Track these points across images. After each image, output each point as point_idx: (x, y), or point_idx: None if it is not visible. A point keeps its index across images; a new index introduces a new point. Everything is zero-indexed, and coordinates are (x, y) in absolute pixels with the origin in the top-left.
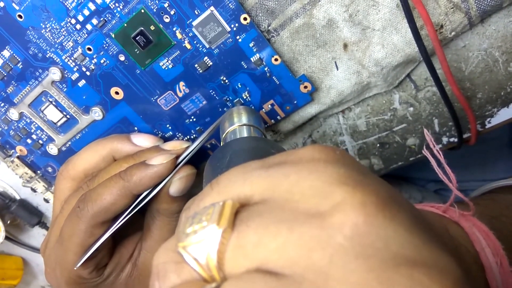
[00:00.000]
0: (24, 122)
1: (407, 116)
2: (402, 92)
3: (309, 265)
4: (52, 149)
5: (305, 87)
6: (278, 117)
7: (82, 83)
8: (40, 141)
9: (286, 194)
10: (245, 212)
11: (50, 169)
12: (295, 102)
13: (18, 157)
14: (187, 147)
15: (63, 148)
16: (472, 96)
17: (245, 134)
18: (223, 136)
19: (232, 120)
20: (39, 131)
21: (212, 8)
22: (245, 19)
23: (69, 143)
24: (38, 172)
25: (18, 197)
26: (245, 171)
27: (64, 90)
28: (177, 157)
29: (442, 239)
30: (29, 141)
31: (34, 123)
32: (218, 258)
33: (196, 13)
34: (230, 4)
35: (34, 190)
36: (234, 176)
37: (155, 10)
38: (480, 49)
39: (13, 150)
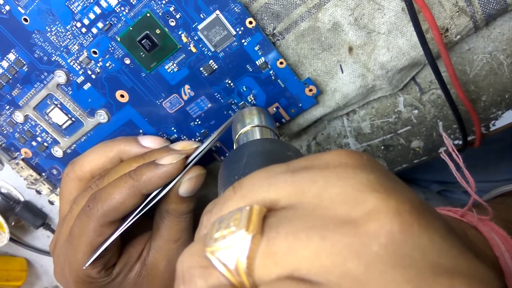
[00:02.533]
0: (29, 125)
1: (411, 118)
2: (406, 95)
3: (344, 273)
4: (57, 152)
5: (310, 90)
6: (283, 120)
7: (87, 86)
8: (45, 144)
9: (315, 200)
10: (273, 217)
11: (55, 171)
12: (300, 105)
13: (23, 159)
14: (197, 148)
15: (68, 151)
16: (476, 99)
17: (258, 136)
18: (236, 137)
19: (244, 121)
20: (44, 133)
21: (217, 12)
22: (250, 22)
23: (74, 145)
24: (43, 174)
25: (22, 199)
26: (270, 175)
27: (70, 93)
28: (187, 157)
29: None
30: (34, 143)
31: (39, 125)
32: (247, 264)
33: (202, 16)
34: (235, 8)
35: (39, 192)
36: (258, 180)
37: (160, 14)
38: (485, 52)
39: (18, 153)
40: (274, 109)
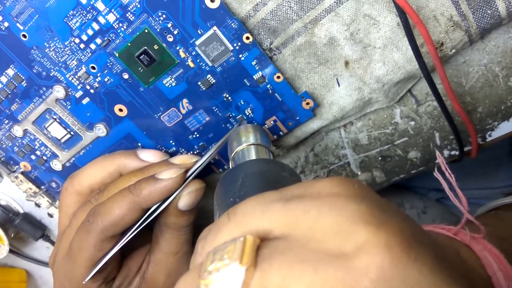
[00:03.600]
0: (28, 139)
1: (408, 130)
2: (403, 107)
3: None
4: (56, 165)
5: (307, 103)
6: (281, 133)
7: (86, 100)
8: (44, 157)
9: (307, 231)
10: (266, 248)
11: (54, 185)
12: (298, 118)
13: (22, 173)
14: (196, 162)
15: (67, 164)
16: (472, 110)
17: (253, 155)
18: (232, 155)
19: (240, 139)
20: (43, 147)
21: (215, 27)
22: (247, 38)
23: (73, 159)
24: (42, 187)
25: (22, 211)
26: (263, 202)
27: (68, 107)
28: (186, 171)
29: (456, 266)
30: (33, 157)
31: (38, 139)
32: None
33: (199, 32)
34: (232, 24)
35: (38, 205)
36: (252, 207)
37: (158, 30)
38: (480, 64)
39: (17, 166)
40: (272, 122)
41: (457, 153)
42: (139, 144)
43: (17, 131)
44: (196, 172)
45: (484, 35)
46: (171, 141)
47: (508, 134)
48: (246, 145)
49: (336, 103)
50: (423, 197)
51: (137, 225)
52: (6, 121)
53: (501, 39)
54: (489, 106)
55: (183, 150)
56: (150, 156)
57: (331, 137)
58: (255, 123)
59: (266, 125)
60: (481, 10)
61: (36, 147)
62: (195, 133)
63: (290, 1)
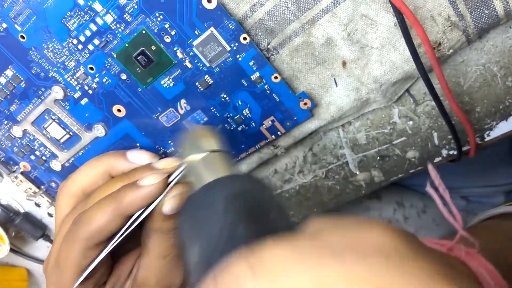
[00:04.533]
0: (28, 139)
1: (406, 129)
2: (401, 107)
3: None
4: (56, 165)
5: (305, 103)
6: (279, 133)
7: (84, 101)
8: (44, 157)
9: None
10: None
11: (53, 184)
12: (295, 118)
13: (22, 173)
14: (180, 165)
15: (67, 164)
16: (471, 110)
17: (220, 165)
18: (192, 168)
19: (199, 146)
20: (42, 147)
21: (212, 28)
22: (244, 38)
23: (72, 159)
24: (42, 187)
25: (22, 210)
26: (298, 253)
27: (67, 108)
28: (169, 175)
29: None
30: (32, 157)
31: (37, 140)
32: None
33: (197, 33)
34: (229, 25)
35: (38, 205)
36: (283, 259)
37: (156, 31)
38: (478, 64)
39: (17, 166)
40: (270, 122)
41: (455, 152)
42: (138, 144)
43: (17, 131)
44: (178, 176)
45: (482, 35)
46: (169, 141)
47: (507, 134)
48: (208, 153)
49: (334, 103)
50: (423, 196)
51: (121, 231)
52: (6, 122)
53: (499, 39)
54: (487, 106)
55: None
56: (138, 157)
57: (330, 137)
58: (252, 123)
59: (264, 125)
60: (478, 10)
61: (36, 147)
62: None
63: (287, 1)
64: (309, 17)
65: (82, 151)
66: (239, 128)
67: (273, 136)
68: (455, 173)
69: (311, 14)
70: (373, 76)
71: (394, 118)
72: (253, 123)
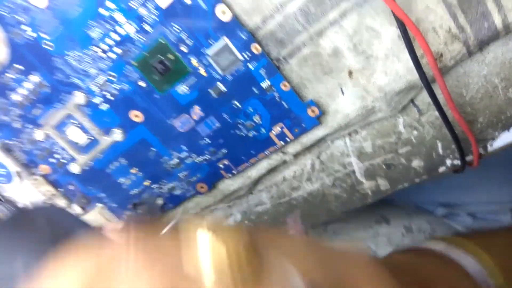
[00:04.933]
0: (49, 143)
1: (411, 139)
2: (406, 116)
3: None
4: (75, 168)
5: (313, 111)
6: (287, 139)
7: (104, 106)
8: (63, 160)
9: None
10: None
11: (71, 187)
12: (303, 125)
13: (41, 175)
14: None
15: (85, 167)
16: (473, 120)
17: None
18: None
19: None
20: (62, 151)
21: (225, 38)
22: (256, 48)
23: (92, 162)
24: (60, 189)
25: None
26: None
27: (88, 113)
28: None
29: None
30: (52, 160)
31: (58, 143)
32: None
33: (211, 43)
34: (242, 35)
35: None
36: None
37: (173, 41)
38: (479, 75)
39: (36, 169)
40: (279, 128)
41: (459, 162)
42: (153, 149)
43: (39, 135)
44: None
45: (483, 47)
46: (183, 146)
47: (510, 144)
48: None
49: (340, 111)
50: (430, 218)
51: None
52: (29, 125)
53: (499, 51)
54: (489, 117)
55: (194, 155)
56: None
57: (337, 145)
58: (262, 129)
59: (273, 131)
60: (478, 23)
61: (56, 150)
62: (206, 138)
63: (296, 14)
64: (317, 28)
65: (100, 155)
66: (250, 134)
67: (282, 142)
68: (459, 187)
69: (319, 26)
70: (378, 85)
71: (399, 128)
72: (263, 129)
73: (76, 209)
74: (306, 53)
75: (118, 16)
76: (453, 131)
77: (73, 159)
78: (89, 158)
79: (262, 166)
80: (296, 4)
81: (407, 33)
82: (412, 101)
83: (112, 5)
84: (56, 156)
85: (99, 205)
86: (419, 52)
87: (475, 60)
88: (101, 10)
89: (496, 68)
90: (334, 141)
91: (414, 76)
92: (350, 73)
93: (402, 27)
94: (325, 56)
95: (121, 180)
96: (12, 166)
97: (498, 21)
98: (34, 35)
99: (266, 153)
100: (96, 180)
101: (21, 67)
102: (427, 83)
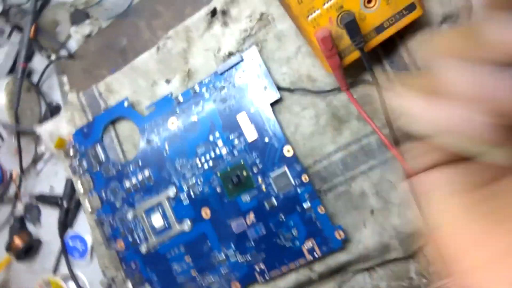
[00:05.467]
0: (134, 223)
1: (421, 286)
2: (417, 264)
3: None
4: (143, 249)
5: (340, 235)
6: (315, 254)
7: (186, 201)
8: (138, 240)
9: None
10: None
11: (133, 265)
12: (330, 245)
13: (116, 250)
14: None
15: (151, 250)
16: None
17: None
18: None
19: None
20: (141, 232)
21: (285, 167)
22: (305, 178)
23: (158, 246)
24: (124, 266)
25: None
26: None
27: (172, 204)
28: None
29: None
30: (130, 238)
31: (141, 224)
32: None
33: (275, 169)
34: (297, 167)
35: (113, 281)
36: None
37: (249, 163)
38: None
39: (115, 243)
40: (310, 243)
41: None
42: (209, 243)
43: (130, 215)
44: None
45: None
46: (232, 245)
47: None
48: None
49: (362, 242)
50: None
51: None
52: (126, 206)
53: None
54: None
55: (238, 254)
56: None
57: (357, 279)
58: (297, 241)
59: (305, 246)
60: None
61: (136, 230)
62: (252, 242)
63: (338, 162)
64: (351, 175)
65: (167, 241)
66: (286, 244)
67: (310, 257)
68: None
69: (353, 173)
70: (392, 224)
71: (411, 273)
72: (297, 242)
73: (129, 285)
74: (341, 191)
75: (219, 142)
76: None
77: (145, 240)
78: (157, 242)
79: (291, 279)
80: (339, 156)
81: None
82: (421, 250)
83: (217, 134)
84: (135, 236)
85: (148, 286)
86: None
87: None
88: (210, 137)
89: None
90: (355, 274)
91: (421, 223)
92: (372, 212)
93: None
94: (355, 196)
95: (175, 266)
96: (90, 241)
97: None
98: (159, 144)
99: (296, 264)
100: (155, 263)
101: (140, 162)
102: None
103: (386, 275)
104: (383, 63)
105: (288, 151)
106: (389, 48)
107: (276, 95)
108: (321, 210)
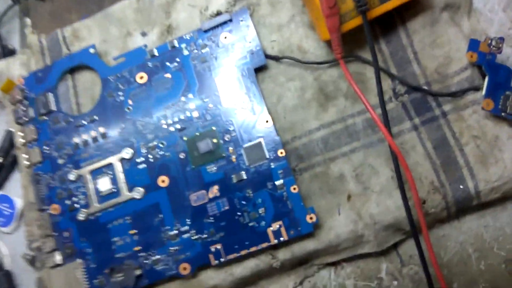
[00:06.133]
0: (76, 185)
1: None
2: (389, 263)
3: None
4: (81, 215)
5: (311, 218)
6: (281, 239)
7: (142, 166)
8: (76, 205)
9: None
10: None
11: (66, 234)
12: (299, 228)
13: (49, 214)
14: None
15: (91, 217)
16: (449, 283)
17: None
18: None
19: None
20: (82, 196)
21: (261, 139)
22: (281, 153)
23: (99, 214)
24: (55, 233)
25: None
26: None
27: (126, 167)
28: None
29: None
30: (68, 202)
31: (83, 188)
32: None
33: (249, 140)
34: (274, 140)
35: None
36: None
37: (222, 131)
38: (456, 241)
39: (48, 207)
40: (277, 225)
41: None
42: (161, 215)
43: (72, 175)
44: None
45: (460, 216)
46: (187, 220)
47: None
48: None
49: (334, 229)
50: None
51: None
52: (69, 165)
53: (474, 224)
54: (463, 284)
55: (194, 231)
56: None
57: (322, 275)
58: (263, 222)
59: (271, 227)
60: (455, 184)
61: (77, 194)
62: (211, 217)
63: (318, 141)
64: (331, 155)
65: (112, 208)
66: (250, 224)
67: (275, 241)
68: None
69: (333, 154)
70: (370, 213)
71: (381, 273)
72: (263, 223)
73: (57, 257)
74: (318, 171)
75: (191, 104)
76: (431, 284)
77: (85, 206)
78: (100, 209)
79: (249, 264)
80: (320, 134)
81: (400, 176)
82: (396, 248)
83: (191, 96)
84: (74, 199)
85: (79, 260)
86: (408, 194)
87: (453, 226)
88: (182, 97)
89: (471, 238)
90: (320, 269)
91: (401, 213)
92: (349, 197)
93: (397, 168)
94: (332, 178)
95: (115, 239)
96: (19, 205)
97: (470, 185)
98: (122, 99)
99: (258, 247)
100: (93, 233)
101: (96, 117)
102: (410, 219)
103: (353, 273)
104: (379, 42)
105: (266, 122)
106: (388, 27)
107: (262, 61)
108: (294, 189)
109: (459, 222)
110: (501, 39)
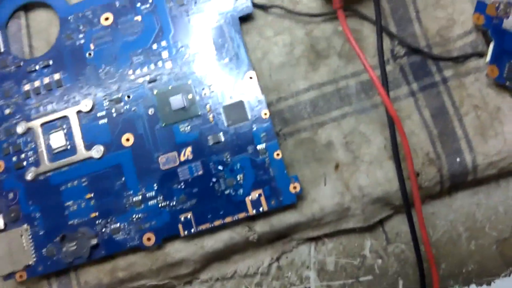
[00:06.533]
0: (24, 139)
1: (374, 268)
2: (374, 240)
3: None
4: (30, 174)
5: (294, 187)
6: (261, 209)
7: (103, 121)
8: (24, 163)
9: None
10: None
11: (11, 195)
12: (281, 199)
13: None
14: None
15: (41, 177)
16: (437, 264)
17: None
18: None
19: None
20: (31, 152)
21: (243, 97)
22: (265, 114)
23: (51, 173)
24: None
25: None
26: None
27: (83, 122)
28: None
29: None
30: (14, 158)
31: (33, 143)
32: None
33: (229, 97)
34: (257, 99)
35: None
36: None
37: (199, 85)
38: (446, 219)
39: None
40: (257, 195)
41: None
42: (123, 178)
43: (21, 128)
44: None
45: (452, 192)
46: (154, 185)
47: None
48: None
49: (318, 201)
50: None
51: None
52: (18, 116)
53: (466, 201)
54: (451, 265)
55: (161, 197)
56: None
57: (300, 251)
58: (241, 189)
59: (250, 197)
60: (452, 156)
61: (25, 150)
62: (182, 183)
63: (306, 104)
64: (319, 119)
65: (66, 168)
66: (226, 192)
67: (254, 211)
68: None
69: (322, 118)
70: (358, 184)
71: (365, 251)
72: (241, 191)
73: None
74: (304, 137)
75: (165, 53)
76: (421, 263)
77: (35, 165)
78: (51, 168)
79: (222, 237)
80: (309, 95)
81: (396, 142)
82: (382, 224)
83: (164, 43)
84: (22, 156)
85: (25, 226)
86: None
87: (444, 203)
88: (154, 45)
89: (462, 216)
90: (299, 244)
91: (391, 186)
92: (337, 166)
93: (393, 136)
94: (319, 145)
95: (69, 203)
96: None
97: (468, 159)
98: (83, 42)
99: (234, 218)
100: (43, 195)
101: (51, 62)
102: (404, 193)
103: (335, 249)
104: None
105: (250, 78)
106: None
107: (248, 9)
108: (277, 155)
109: (450, 199)
110: (510, 4)
